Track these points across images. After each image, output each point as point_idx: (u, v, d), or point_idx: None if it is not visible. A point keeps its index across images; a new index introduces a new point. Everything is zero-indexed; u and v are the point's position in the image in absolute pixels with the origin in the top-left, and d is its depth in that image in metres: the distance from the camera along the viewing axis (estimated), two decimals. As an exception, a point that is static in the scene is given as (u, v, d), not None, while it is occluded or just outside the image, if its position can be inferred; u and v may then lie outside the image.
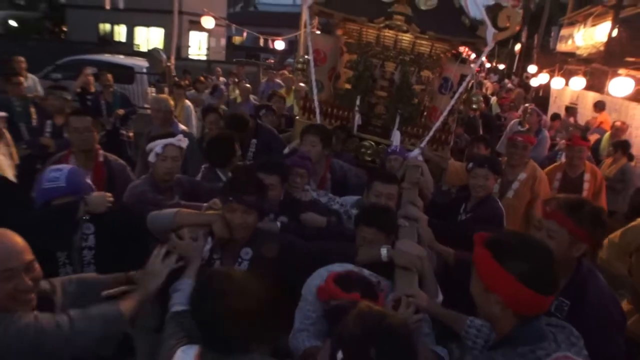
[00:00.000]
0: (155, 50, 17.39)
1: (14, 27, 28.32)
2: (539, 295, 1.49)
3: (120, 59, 15.57)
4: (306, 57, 4.51)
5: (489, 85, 19.92)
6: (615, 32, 11.25)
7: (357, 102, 4.29)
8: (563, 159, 5.57)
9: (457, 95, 4.25)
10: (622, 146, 6.37)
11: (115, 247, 2.48)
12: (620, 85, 7.57)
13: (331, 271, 2.04)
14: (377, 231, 2.43)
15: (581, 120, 9.88)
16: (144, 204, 2.88)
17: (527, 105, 10.12)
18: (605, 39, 11.70)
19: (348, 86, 4.40)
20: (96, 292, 2.05)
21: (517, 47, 25.91)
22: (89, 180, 2.76)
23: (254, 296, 1.64)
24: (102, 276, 2.12)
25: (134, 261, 2.29)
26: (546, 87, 14.61)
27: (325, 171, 3.63)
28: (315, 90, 4.33)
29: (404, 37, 4.20)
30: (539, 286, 1.48)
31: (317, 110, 4.32)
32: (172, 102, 8.12)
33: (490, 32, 3.93)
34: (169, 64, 10.50)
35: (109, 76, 7.99)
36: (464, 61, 4.48)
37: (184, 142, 3.27)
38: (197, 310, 1.70)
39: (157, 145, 3.14)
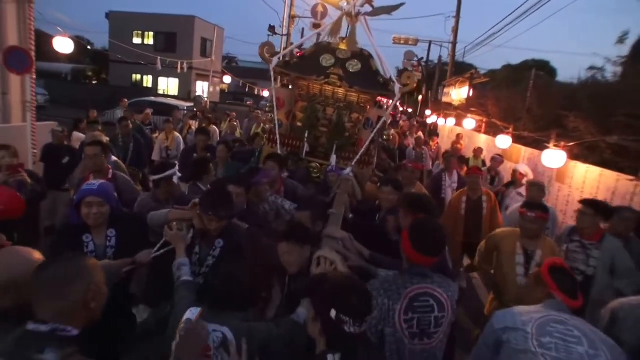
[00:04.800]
0: (199, 96, 17.62)
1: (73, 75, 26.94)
2: (418, 254, 1.78)
3: (169, 100, 16.08)
4: (272, 102, 4.31)
5: (402, 124, 20.17)
6: (471, 93, 12.90)
7: (306, 135, 4.13)
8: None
9: (375, 130, 4.15)
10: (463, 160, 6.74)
11: (130, 246, 2.30)
12: (469, 123, 9.29)
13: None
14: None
15: (447, 143, 10.94)
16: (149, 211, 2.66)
17: (417, 135, 10.32)
18: (465, 96, 13.18)
19: (300, 124, 4.23)
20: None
21: (420, 97, 26.65)
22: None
23: (246, 275, 1.74)
24: (114, 261, 2.11)
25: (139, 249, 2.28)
26: (435, 124, 15.20)
27: (280, 187, 3.44)
28: (277, 127, 4.17)
29: (339, 91, 4.08)
30: (421, 250, 1.78)
31: (278, 141, 4.13)
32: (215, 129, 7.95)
33: (397, 88, 3.86)
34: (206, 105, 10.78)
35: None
36: (381, 107, 4.41)
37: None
38: (210, 282, 1.80)
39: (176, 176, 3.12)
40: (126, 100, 9.86)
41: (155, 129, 9.09)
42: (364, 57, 4.12)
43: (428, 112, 18.21)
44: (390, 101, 4.91)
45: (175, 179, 3.21)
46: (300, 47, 4.50)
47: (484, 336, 1.84)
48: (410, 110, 33.86)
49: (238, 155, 4.63)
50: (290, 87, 4.51)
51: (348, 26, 4.11)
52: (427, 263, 1.82)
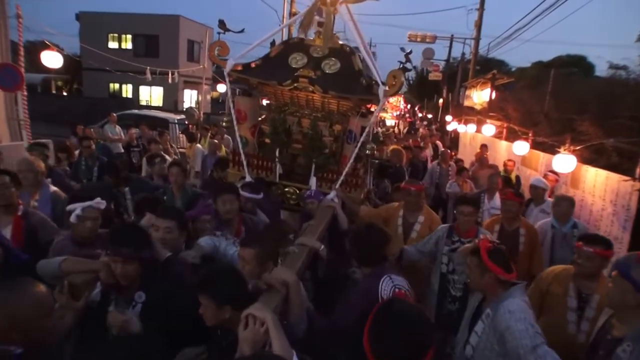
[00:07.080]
0: (191, 108, 17.89)
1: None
2: None
3: (158, 113, 16.39)
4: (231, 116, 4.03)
5: (422, 131, 19.82)
6: (493, 95, 13.17)
7: (277, 154, 3.89)
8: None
9: (359, 144, 3.85)
10: None
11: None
12: (488, 129, 9.28)
13: None
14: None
15: (468, 152, 11.23)
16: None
17: (436, 142, 10.03)
18: (487, 99, 13.45)
19: (268, 141, 3.99)
20: None
21: (440, 101, 26.39)
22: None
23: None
24: None
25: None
26: (456, 131, 14.98)
27: (239, 225, 3.20)
28: (240, 145, 3.93)
29: (315, 97, 3.79)
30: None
31: (245, 163, 3.89)
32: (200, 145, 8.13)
33: (381, 90, 3.53)
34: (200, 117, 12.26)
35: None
36: (364, 115, 4.14)
37: (102, 204, 2.72)
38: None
39: (78, 208, 2.62)
40: (114, 114, 9.83)
41: (144, 150, 8.19)
42: (344, 54, 3.82)
43: (449, 117, 17.84)
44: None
45: None
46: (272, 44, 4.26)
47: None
48: (430, 116, 33.62)
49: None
50: (259, 95, 4.28)
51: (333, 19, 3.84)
52: None
